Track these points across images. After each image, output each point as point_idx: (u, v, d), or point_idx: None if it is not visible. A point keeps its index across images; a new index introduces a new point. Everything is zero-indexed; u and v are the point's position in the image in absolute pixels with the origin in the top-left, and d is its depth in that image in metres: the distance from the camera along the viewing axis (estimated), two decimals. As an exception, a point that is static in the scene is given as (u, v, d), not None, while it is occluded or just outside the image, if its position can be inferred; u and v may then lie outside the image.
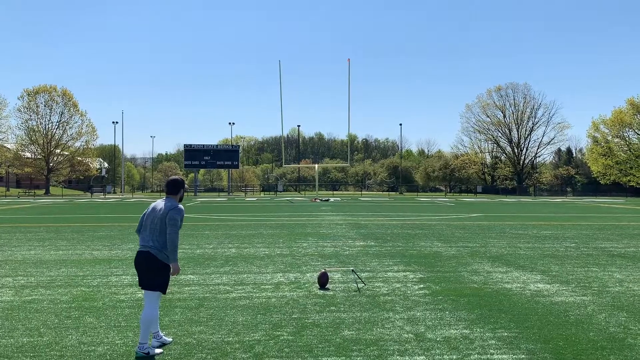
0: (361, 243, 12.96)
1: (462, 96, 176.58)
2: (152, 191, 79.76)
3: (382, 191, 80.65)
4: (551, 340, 5.20)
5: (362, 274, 8.60)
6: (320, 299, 6.91)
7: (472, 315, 6.15)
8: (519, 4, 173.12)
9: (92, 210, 28.10)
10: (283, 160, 59.44)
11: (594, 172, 67.33)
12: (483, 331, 5.50)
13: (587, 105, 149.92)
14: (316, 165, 63.52)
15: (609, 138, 66.19)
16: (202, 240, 13.58)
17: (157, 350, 4.83)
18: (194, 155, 63.33)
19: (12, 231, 16.09)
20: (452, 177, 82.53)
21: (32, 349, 4.92)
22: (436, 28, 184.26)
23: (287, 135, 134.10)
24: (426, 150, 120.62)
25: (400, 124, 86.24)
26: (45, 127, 64.47)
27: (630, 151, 64.00)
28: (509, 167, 79.04)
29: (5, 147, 62.82)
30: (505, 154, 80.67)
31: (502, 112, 78.69)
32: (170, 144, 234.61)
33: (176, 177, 5.18)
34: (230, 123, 73.07)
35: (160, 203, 5.00)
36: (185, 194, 5.37)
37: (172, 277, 8.40)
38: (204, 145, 64.25)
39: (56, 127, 64.93)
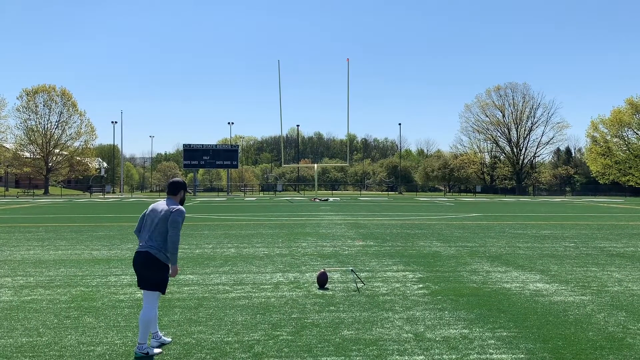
0: (360, 243, 12.96)
1: (461, 96, 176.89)
2: (151, 191, 79.72)
3: (382, 191, 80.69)
4: (550, 340, 5.21)
5: (361, 274, 8.60)
6: (320, 299, 6.91)
7: (471, 315, 6.15)
8: (518, 4, 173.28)
9: (91, 210, 28.08)
10: (282, 160, 59.41)
11: (593, 172, 67.38)
12: (482, 331, 5.50)
13: (586, 105, 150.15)
14: (315, 165, 63.51)
15: (608, 138, 66.25)
16: (201, 240, 13.57)
17: (156, 350, 4.83)
18: (193, 155, 63.32)
19: (11, 231, 16.07)
20: (451, 177, 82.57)
21: (32, 349, 4.91)
22: (436, 28, 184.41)
23: (287, 135, 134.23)
24: (425, 150, 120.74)
25: (400, 124, 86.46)
26: (44, 126, 64.45)
27: (629, 151, 64.06)
28: (508, 166, 79.10)
29: (4, 147, 62.78)
30: (505, 153, 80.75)
31: (502, 112, 78.78)
32: (170, 144, 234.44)
33: (177, 178, 5.21)
34: (229, 123, 73.17)
35: (160, 204, 5.01)
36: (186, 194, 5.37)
37: (171, 277, 8.39)
38: (203, 145, 64.24)
39: (55, 126, 64.93)
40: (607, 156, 64.96)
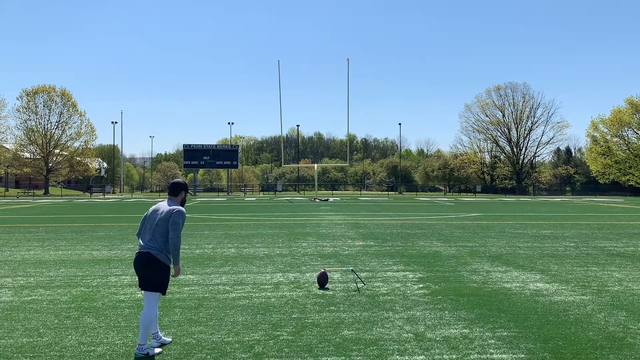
0: (360, 243, 12.96)
1: (461, 96, 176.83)
2: (151, 191, 79.72)
3: (382, 191, 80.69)
4: (551, 340, 5.21)
5: (361, 274, 8.60)
6: (320, 299, 6.91)
7: (471, 314, 6.15)
8: (518, 4, 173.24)
9: (91, 211, 28.08)
10: (282, 160, 59.38)
11: (593, 172, 67.36)
12: (482, 331, 5.50)
13: (586, 105, 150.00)
14: (315, 165, 63.50)
15: (608, 137, 66.23)
16: (201, 240, 13.57)
17: (157, 350, 4.83)
18: (193, 155, 63.31)
19: (11, 231, 16.08)
20: (451, 177, 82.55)
21: (32, 350, 4.92)
22: (435, 27, 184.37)
23: (287, 135, 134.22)
24: (425, 150, 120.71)
25: (400, 124, 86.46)
26: (44, 127, 64.40)
27: (630, 150, 64.06)
28: (508, 166, 79.08)
29: (4, 147, 62.77)
30: (505, 153, 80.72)
31: (502, 112, 78.74)
32: (170, 144, 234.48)
33: (178, 179, 5.23)
34: (229, 123, 73.18)
35: (161, 205, 5.02)
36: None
37: (171, 278, 8.41)
38: (203, 145, 64.22)
39: (55, 127, 64.87)
40: (607, 156, 64.95)
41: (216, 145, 66.97)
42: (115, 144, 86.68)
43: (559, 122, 78.01)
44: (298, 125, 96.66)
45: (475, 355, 4.76)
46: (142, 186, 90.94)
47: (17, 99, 64.00)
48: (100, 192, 65.82)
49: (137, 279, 8.24)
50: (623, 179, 64.12)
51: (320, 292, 7.36)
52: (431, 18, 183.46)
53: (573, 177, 78.89)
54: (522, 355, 4.75)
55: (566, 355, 4.78)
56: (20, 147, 64.06)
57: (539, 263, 9.95)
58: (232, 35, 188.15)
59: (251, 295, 7.13)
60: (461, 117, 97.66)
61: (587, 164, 69.90)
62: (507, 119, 78.70)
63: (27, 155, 64.89)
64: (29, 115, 63.83)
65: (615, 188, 67.88)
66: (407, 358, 4.69)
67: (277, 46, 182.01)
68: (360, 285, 7.79)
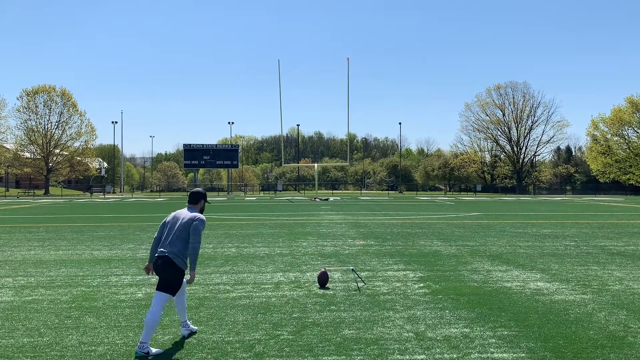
0: (361, 242, 12.96)
1: (461, 95, 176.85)
2: (151, 191, 79.70)
3: (382, 190, 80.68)
4: (551, 339, 5.21)
5: (362, 273, 8.60)
6: (321, 299, 6.91)
7: (472, 314, 6.15)
8: (518, 4, 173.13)
9: (92, 210, 28.09)
10: (282, 160, 59.38)
11: (594, 171, 67.38)
12: (483, 330, 5.50)
13: (587, 104, 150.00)
14: (315, 165, 63.48)
15: (609, 136, 66.26)
16: (201, 239, 13.56)
17: (155, 350, 4.82)
18: (194, 155, 63.33)
19: (11, 231, 16.08)
20: (451, 176, 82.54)
21: (33, 349, 4.92)
22: (435, 27, 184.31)
23: (287, 134, 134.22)
24: (426, 149, 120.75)
25: (400, 123, 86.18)
26: (44, 127, 64.44)
27: (630, 149, 64.06)
28: (508, 165, 79.05)
29: (4, 147, 62.78)
30: (505, 152, 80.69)
31: (502, 111, 78.72)
32: (170, 144, 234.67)
33: (198, 189, 5.46)
34: (229, 122, 73.21)
35: (182, 212, 5.21)
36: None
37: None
38: (203, 144, 64.26)
39: (55, 127, 64.91)
40: (608, 155, 64.95)
41: (216, 145, 67.00)
42: (116, 143, 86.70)
43: (559, 121, 78.04)
44: (298, 125, 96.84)
45: (476, 354, 4.76)
46: (143, 186, 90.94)
47: (17, 99, 64.13)
48: (100, 192, 65.82)
49: (138, 279, 8.25)
50: (623, 178, 64.11)
51: (321, 291, 7.36)
52: (431, 18, 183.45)
53: (573, 176, 78.88)
54: (523, 355, 4.75)
55: (567, 354, 4.78)
56: (20, 147, 64.09)
57: (540, 262, 9.95)
58: (232, 35, 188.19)
59: (252, 295, 7.14)
60: (461, 117, 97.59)
61: (588, 163, 69.91)
62: (507, 118, 78.70)
63: (28, 155, 64.91)
64: (29, 115, 63.92)
65: (615, 187, 67.87)
66: (407, 357, 4.69)
67: (277, 46, 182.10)
68: (360, 284, 7.79)
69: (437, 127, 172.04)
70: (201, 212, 5.32)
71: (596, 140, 67.33)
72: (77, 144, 67.16)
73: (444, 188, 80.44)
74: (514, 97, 78.06)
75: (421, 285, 7.80)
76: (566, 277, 8.48)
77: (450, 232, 15.41)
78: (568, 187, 75.28)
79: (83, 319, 5.93)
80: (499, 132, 79.76)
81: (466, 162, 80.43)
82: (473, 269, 9.16)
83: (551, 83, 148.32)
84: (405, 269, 9.13)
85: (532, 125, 78.18)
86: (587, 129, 72.66)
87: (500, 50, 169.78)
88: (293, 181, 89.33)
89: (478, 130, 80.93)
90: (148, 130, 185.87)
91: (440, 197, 52.08)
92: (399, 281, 8.08)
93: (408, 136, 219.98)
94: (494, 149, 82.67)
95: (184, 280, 5.15)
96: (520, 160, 78.60)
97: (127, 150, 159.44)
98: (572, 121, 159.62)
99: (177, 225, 5.05)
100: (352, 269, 8.36)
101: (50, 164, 64.96)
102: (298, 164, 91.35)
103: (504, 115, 78.74)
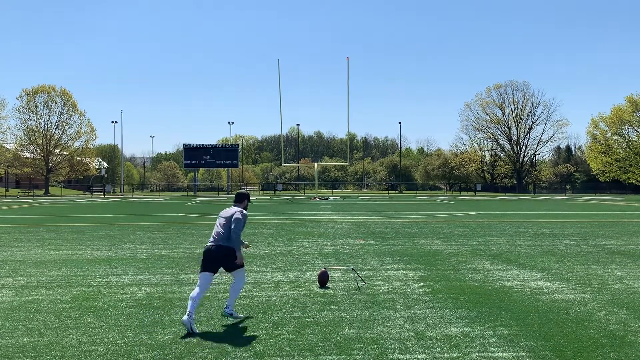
0: (361, 241, 12.96)
1: (461, 94, 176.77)
2: (151, 191, 79.70)
3: (382, 190, 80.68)
4: (551, 338, 5.21)
5: (362, 273, 8.60)
6: (321, 298, 6.92)
7: (472, 313, 6.15)
8: (518, 3, 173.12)
9: (92, 210, 28.09)
10: (282, 159, 59.34)
11: (594, 170, 67.37)
12: (483, 329, 5.50)
13: (586, 103, 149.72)
14: (315, 164, 63.44)
15: (608, 135, 66.23)
16: (201, 239, 13.57)
17: (240, 315, 5.93)
18: (194, 155, 63.24)
19: (11, 231, 16.08)
20: (451, 176, 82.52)
21: (33, 349, 4.92)
22: (435, 26, 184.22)
23: (287, 134, 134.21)
24: (426, 149, 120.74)
25: (400, 123, 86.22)
26: (44, 127, 64.37)
27: (630, 148, 64.06)
28: (508, 165, 79.01)
29: (4, 147, 62.75)
30: (505, 151, 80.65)
31: (502, 110, 78.63)
32: (170, 144, 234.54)
33: (243, 191, 6.44)
34: (229, 122, 73.20)
35: (229, 209, 6.09)
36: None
37: (174, 276, 8.40)
38: (203, 144, 64.15)
39: (55, 127, 64.83)
40: (608, 154, 64.94)
41: (216, 145, 66.91)
42: (116, 143, 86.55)
43: (559, 120, 77.88)
44: (298, 125, 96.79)
45: (476, 353, 4.76)
46: (143, 186, 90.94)
47: (17, 99, 64.01)
48: (100, 192, 65.80)
49: (139, 278, 8.25)
50: (623, 177, 64.11)
51: (321, 291, 7.37)
52: (431, 18, 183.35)
53: (573, 175, 78.88)
54: (523, 354, 4.75)
55: (567, 353, 4.78)
56: (20, 147, 64.04)
57: (540, 261, 9.95)
58: (232, 35, 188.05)
59: (252, 295, 7.14)
60: (461, 116, 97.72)
61: (588, 162, 69.90)
62: (507, 117, 78.62)
63: (27, 155, 64.87)
64: (29, 115, 63.82)
65: (615, 186, 67.88)
66: (408, 357, 4.69)
67: (277, 46, 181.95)
68: (360, 284, 7.79)
69: (437, 127, 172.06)
70: (245, 209, 6.17)
71: (596, 139, 67.32)
72: (77, 144, 67.14)
73: (444, 187, 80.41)
74: (513, 97, 78.02)
75: (421, 284, 7.80)
76: (566, 276, 8.48)
77: (451, 232, 15.41)
78: (568, 186, 75.27)
79: (83, 319, 5.94)
80: (498, 132, 79.72)
81: (466, 161, 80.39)
82: (473, 268, 9.16)
83: (551, 82, 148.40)
84: (405, 269, 9.14)
85: (532, 125, 78.13)
86: (587, 128, 72.77)
87: (500, 50, 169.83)
88: (293, 181, 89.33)
89: (478, 129, 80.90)
90: (148, 130, 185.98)
91: (440, 197, 52.09)
92: (399, 280, 8.08)
93: (408, 136, 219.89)
94: (494, 148, 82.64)
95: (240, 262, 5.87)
96: (520, 160, 78.55)
97: (127, 150, 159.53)
98: (572, 120, 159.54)
99: (224, 219, 5.93)
100: (352, 269, 8.37)
101: (50, 164, 64.93)
102: (298, 163, 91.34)
103: (503, 114, 78.70)
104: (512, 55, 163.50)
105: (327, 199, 44.54)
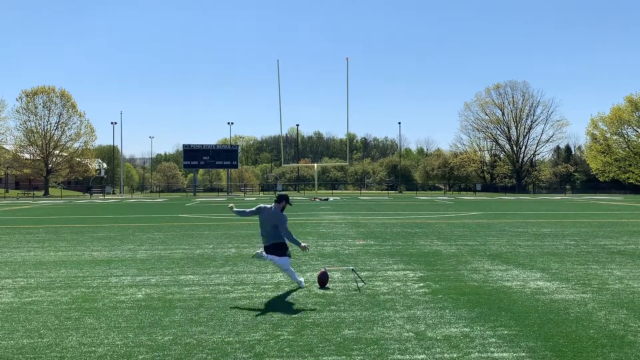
0: (361, 242, 12.96)
1: (461, 94, 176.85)
2: (151, 191, 79.68)
3: (382, 190, 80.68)
4: (551, 338, 5.21)
5: (362, 273, 8.60)
6: (320, 299, 6.91)
7: (472, 313, 6.15)
8: (518, 3, 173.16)
9: (91, 211, 28.08)
10: (282, 160, 59.34)
11: (593, 170, 67.38)
12: (483, 329, 5.50)
13: (586, 103, 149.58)
14: (315, 165, 63.44)
15: (608, 135, 66.24)
16: (201, 240, 13.57)
17: (304, 284, 7.44)
18: (193, 156, 63.24)
19: (11, 232, 16.07)
20: (451, 176, 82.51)
21: (33, 351, 4.92)
22: (435, 26, 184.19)
23: (286, 134, 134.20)
24: (425, 149, 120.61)
25: (399, 123, 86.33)
26: (43, 128, 64.37)
27: (629, 148, 64.09)
28: (508, 165, 79.05)
29: (4, 148, 62.76)
30: (504, 152, 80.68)
31: (501, 110, 78.68)
32: (169, 144, 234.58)
33: (283, 192, 7.53)
34: (229, 123, 73.06)
35: (269, 209, 7.46)
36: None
37: (174, 277, 8.41)
38: (202, 145, 64.15)
39: (55, 128, 64.85)
40: (607, 154, 64.96)
41: (216, 145, 66.92)
42: (115, 144, 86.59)
43: (558, 120, 77.97)
44: (298, 125, 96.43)
45: (476, 354, 4.76)
46: (142, 187, 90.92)
47: (17, 100, 64.06)
48: (100, 193, 65.78)
49: (138, 279, 8.26)
50: (623, 177, 64.13)
51: (321, 291, 7.36)
52: (431, 18, 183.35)
53: (573, 175, 78.87)
54: (523, 354, 4.75)
55: (567, 353, 4.78)
56: (20, 148, 64.04)
57: (540, 261, 9.95)
58: (232, 35, 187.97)
59: (252, 295, 7.14)
60: (461, 116, 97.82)
61: (587, 162, 69.92)
62: (506, 117, 78.67)
63: (27, 156, 64.86)
64: (29, 116, 63.82)
65: (615, 186, 67.89)
66: (407, 357, 4.69)
67: (277, 46, 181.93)
68: (360, 284, 7.79)
69: (436, 127, 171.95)
70: (282, 209, 7.48)
71: (595, 139, 67.33)
72: (76, 145, 67.13)
73: (443, 188, 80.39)
74: (513, 97, 78.07)
75: (421, 284, 7.80)
76: (566, 276, 8.48)
77: (450, 232, 15.41)
78: (568, 186, 75.27)
79: (83, 320, 5.93)
80: (498, 132, 79.77)
81: (466, 161, 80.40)
82: (473, 269, 9.16)
83: (551, 82, 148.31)
84: (405, 269, 9.13)
85: (531, 125, 78.19)
86: (586, 128, 72.88)
87: (500, 50, 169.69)
88: (293, 181, 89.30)
89: (477, 129, 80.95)
90: (147, 131, 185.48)
91: (439, 197, 52.09)
92: (399, 281, 8.08)
93: (407, 136, 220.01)
94: (494, 148, 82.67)
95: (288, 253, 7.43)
96: (520, 160, 78.59)
97: (127, 151, 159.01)
98: (571, 120, 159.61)
99: (267, 225, 7.37)
100: (352, 269, 8.37)
101: (50, 165, 64.91)
102: (298, 164, 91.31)
103: (503, 114, 78.74)
104: (512, 55, 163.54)
105: (326, 199, 44.54)
